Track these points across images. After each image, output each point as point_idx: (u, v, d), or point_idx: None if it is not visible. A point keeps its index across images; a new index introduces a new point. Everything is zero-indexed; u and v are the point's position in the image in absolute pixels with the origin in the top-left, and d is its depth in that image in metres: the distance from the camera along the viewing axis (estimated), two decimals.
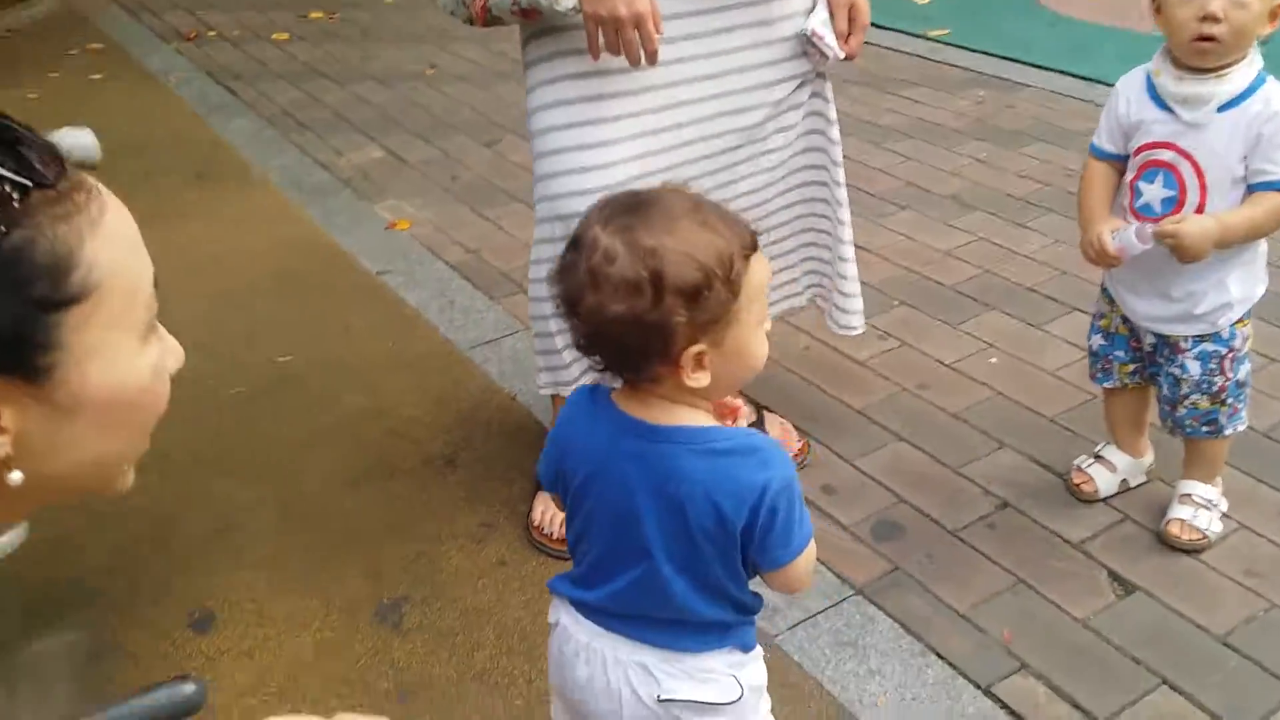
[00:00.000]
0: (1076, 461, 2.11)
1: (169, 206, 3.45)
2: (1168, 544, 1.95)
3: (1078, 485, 2.08)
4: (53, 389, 0.65)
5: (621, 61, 1.73)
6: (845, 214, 2.09)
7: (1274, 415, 2.27)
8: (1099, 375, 2.04)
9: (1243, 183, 1.74)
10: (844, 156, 2.08)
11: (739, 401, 1.24)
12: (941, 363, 2.52)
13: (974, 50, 4.48)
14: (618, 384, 1.15)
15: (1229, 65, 1.70)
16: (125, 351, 0.69)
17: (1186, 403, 1.90)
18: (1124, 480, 2.08)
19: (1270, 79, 1.73)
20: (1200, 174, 1.74)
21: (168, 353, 0.74)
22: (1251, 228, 1.75)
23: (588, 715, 1.24)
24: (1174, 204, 1.77)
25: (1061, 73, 4.18)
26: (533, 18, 1.76)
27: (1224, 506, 1.99)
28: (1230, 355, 1.86)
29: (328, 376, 2.59)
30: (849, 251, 2.13)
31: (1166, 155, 1.77)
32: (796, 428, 2.29)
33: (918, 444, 2.27)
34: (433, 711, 1.74)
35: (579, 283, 1.04)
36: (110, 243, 0.67)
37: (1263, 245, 1.85)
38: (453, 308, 2.84)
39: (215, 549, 2.09)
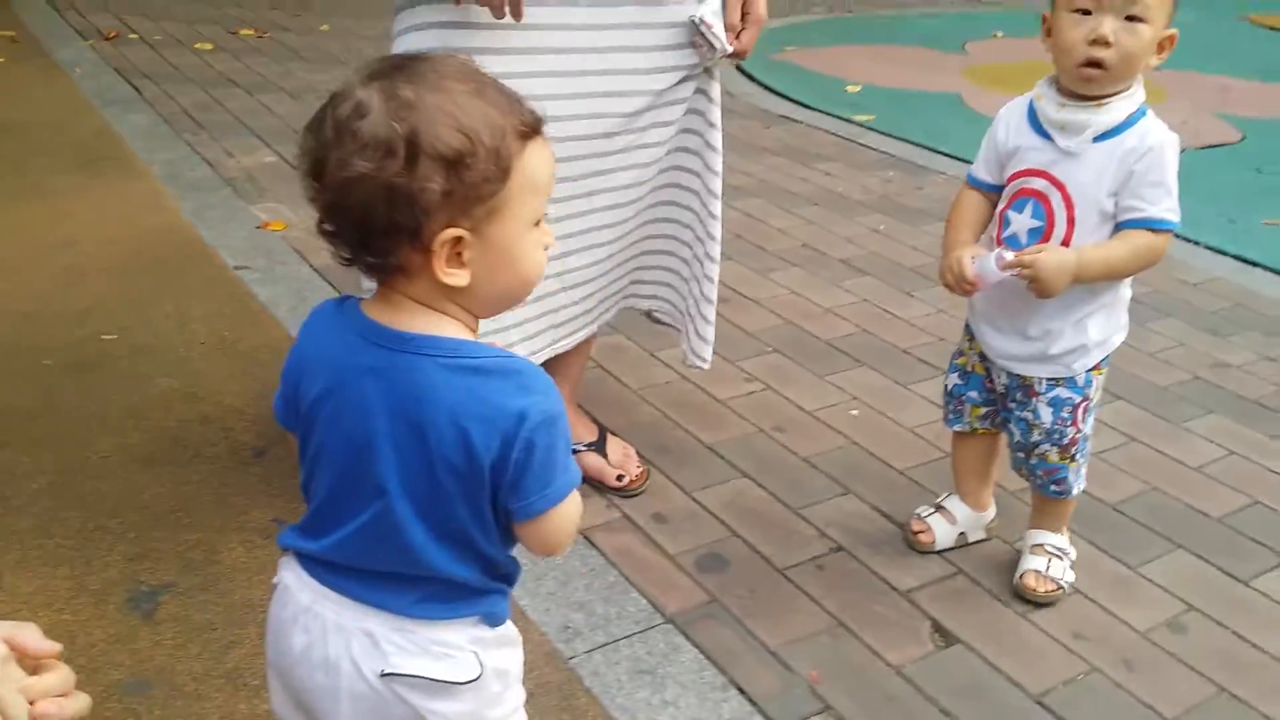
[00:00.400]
0: (917, 510, 1.99)
1: (41, 187, 3.32)
2: (1023, 597, 1.84)
3: (915, 534, 1.96)
4: None
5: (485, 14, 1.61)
6: (716, 229, 1.95)
7: (1125, 490, 2.17)
8: (950, 417, 1.93)
9: (1111, 219, 1.66)
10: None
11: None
12: (802, 409, 2.41)
13: (893, 136, 4.50)
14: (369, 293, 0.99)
15: (1112, 95, 1.64)
16: None
17: (1037, 453, 1.80)
18: (962, 534, 1.97)
19: (1150, 114, 1.66)
20: (1070, 205, 1.66)
21: None
22: (1109, 266, 1.66)
23: (301, 694, 1.04)
24: (1040, 235, 1.69)
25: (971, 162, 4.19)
26: None
27: (1074, 555, 1.89)
28: (1083, 404, 1.77)
29: (148, 358, 2.41)
30: (714, 272, 1.99)
31: (1039, 184, 1.69)
32: (640, 455, 2.15)
33: (761, 482, 2.14)
34: (165, 708, 1.54)
35: (324, 139, 0.89)
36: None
37: (1126, 290, 1.77)
38: (303, 305, 2.68)
39: None
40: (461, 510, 0.96)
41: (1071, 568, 1.87)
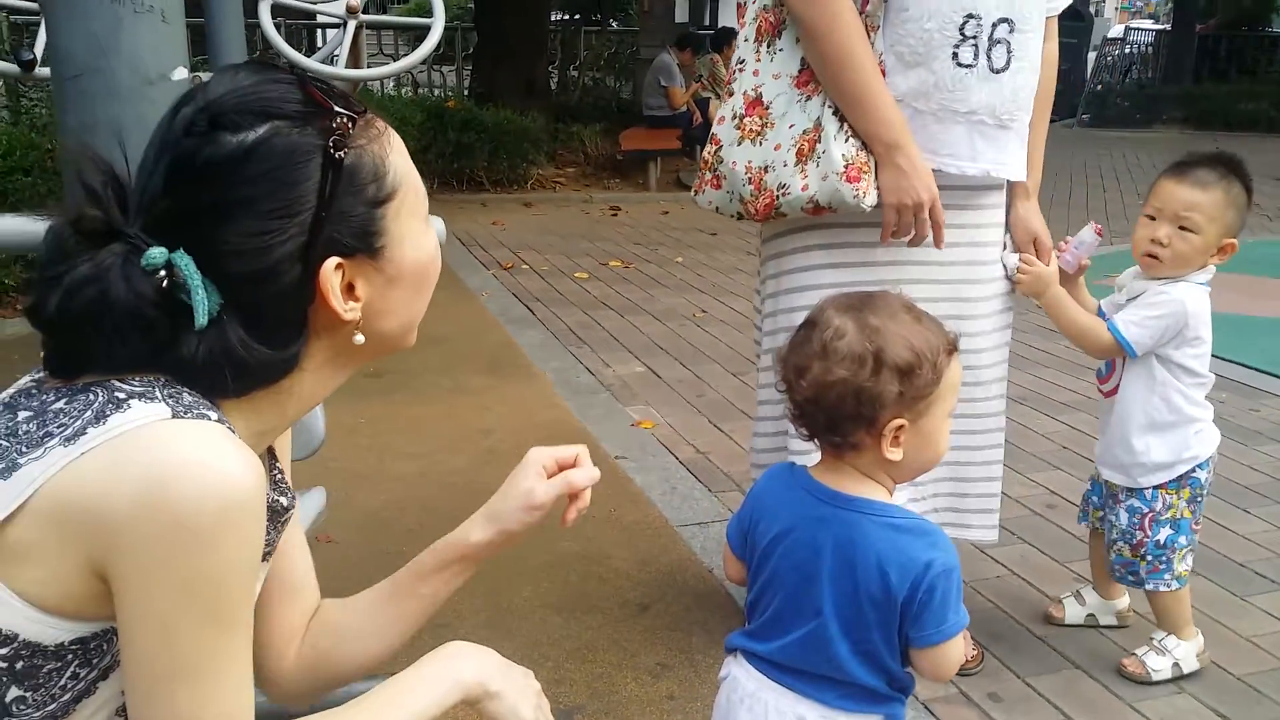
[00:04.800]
0: (1060, 595, 2.50)
1: (463, 386, 4.07)
2: (1120, 673, 2.27)
3: (1050, 611, 2.48)
4: (384, 264, 0.95)
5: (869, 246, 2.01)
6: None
7: None
8: (1080, 515, 2.44)
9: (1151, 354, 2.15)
10: (1073, 427, 2.37)
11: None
12: (1134, 610, 2.53)
13: (1224, 359, 4.49)
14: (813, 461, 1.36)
15: (1167, 279, 2.12)
16: (420, 231, 0.99)
17: (1114, 549, 2.25)
18: (1091, 614, 2.45)
19: (1188, 284, 2.11)
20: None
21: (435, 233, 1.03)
22: (1058, 316, 2.18)
23: None
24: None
25: None
26: (822, 213, 1.96)
27: (1182, 657, 2.24)
28: (1150, 516, 2.18)
29: (553, 525, 2.91)
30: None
31: None
32: (974, 639, 2.37)
33: (1093, 674, 2.29)
34: None
35: (810, 353, 1.25)
36: (401, 155, 0.96)
37: (1191, 419, 2.15)
38: (674, 492, 3.15)
39: (428, 641, 2.39)
40: (876, 634, 1.28)
41: (1172, 667, 2.24)
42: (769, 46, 2.01)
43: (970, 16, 1.92)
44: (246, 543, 0.86)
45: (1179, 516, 2.20)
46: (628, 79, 12.79)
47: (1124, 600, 2.44)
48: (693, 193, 2.15)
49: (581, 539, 2.87)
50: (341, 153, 0.91)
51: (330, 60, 2.97)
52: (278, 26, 2.71)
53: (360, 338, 0.95)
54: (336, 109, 0.92)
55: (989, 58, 1.95)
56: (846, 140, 1.93)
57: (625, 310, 5.23)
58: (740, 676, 1.38)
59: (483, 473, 3.30)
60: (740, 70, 2.06)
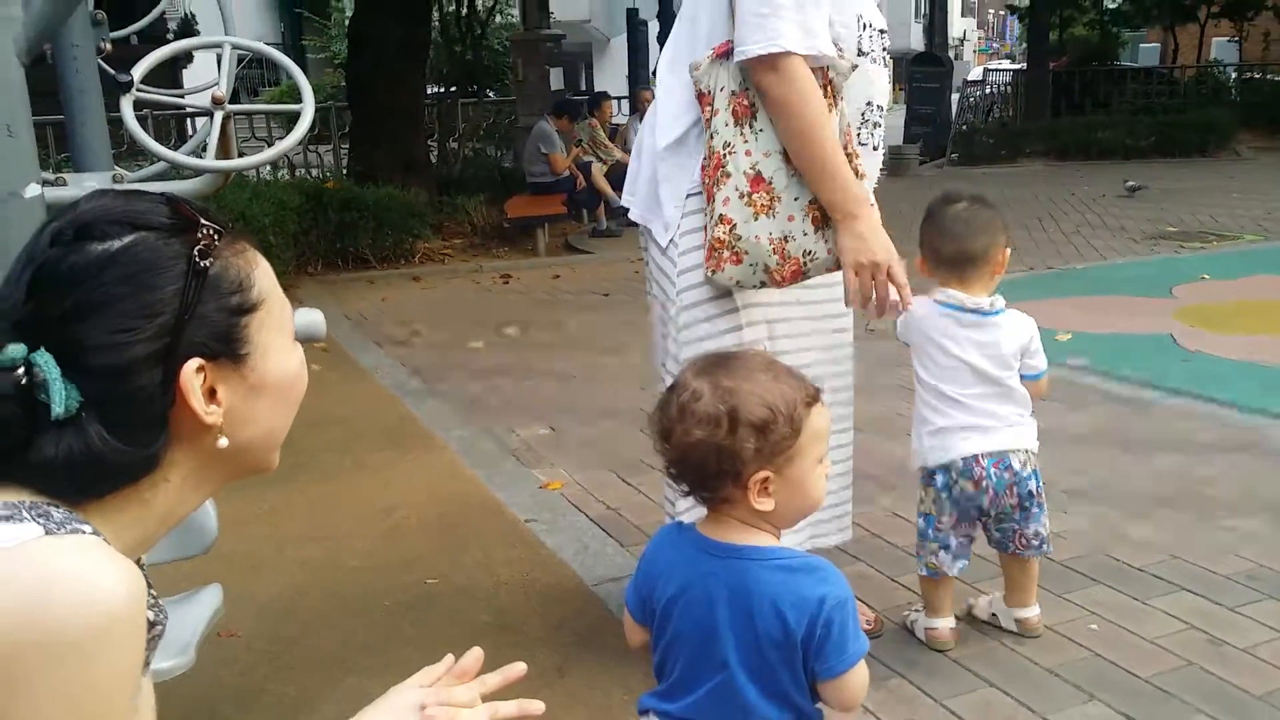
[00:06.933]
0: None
1: (363, 464, 3.99)
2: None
3: (969, 602, 2.68)
4: (248, 372, 0.97)
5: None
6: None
7: None
8: None
9: None
10: None
11: None
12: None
13: (1110, 376, 4.69)
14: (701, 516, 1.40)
15: None
16: (286, 347, 1.02)
17: None
18: (994, 614, 2.63)
19: (922, 297, 2.38)
20: None
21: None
22: None
23: None
24: None
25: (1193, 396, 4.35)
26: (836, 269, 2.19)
27: (916, 624, 2.56)
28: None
29: (464, 597, 2.89)
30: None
31: None
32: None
33: (1007, 691, 2.33)
34: None
35: (670, 415, 1.32)
36: (267, 274, 1.00)
37: (928, 424, 2.42)
38: (586, 551, 3.13)
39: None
40: (783, 674, 1.32)
41: (914, 627, 2.57)
42: (750, 128, 2.14)
43: (869, 104, 2.30)
44: (127, 655, 0.87)
45: (927, 511, 2.48)
46: (508, 148, 12.89)
47: (1027, 611, 2.52)
48: (710, 272, 2.20)
49: (495, 610, 2.82)
50: (206, 261, 0.94)
51: (200, 151, 2.92)
52: (142, 120, 2.65)
53: (224, 441, 0.96)
54: (204, 222, 0.95)
55: (873, 137, 2.33)
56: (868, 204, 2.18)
57: (524, 375, 5.21)
58: None
59: (387, 551, 3.23)
60: (730, 153, 2.16)
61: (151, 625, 1.03)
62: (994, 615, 2.60)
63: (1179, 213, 9.98)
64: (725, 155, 2.16)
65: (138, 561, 1.00)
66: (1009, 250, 2.43)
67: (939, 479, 2.43)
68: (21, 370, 0.87)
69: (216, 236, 0.95)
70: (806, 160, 2.10)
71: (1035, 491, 2.42)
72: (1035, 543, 2.47)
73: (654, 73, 2.76)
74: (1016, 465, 2.38)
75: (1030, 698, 2.29)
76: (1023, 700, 2.29)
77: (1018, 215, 9.86)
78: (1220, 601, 2.66)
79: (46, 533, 0.86)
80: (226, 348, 0.95)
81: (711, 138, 2.18)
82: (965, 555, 2.51)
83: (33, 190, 1.60)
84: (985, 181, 12.78)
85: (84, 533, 0.88)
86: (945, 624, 2.52)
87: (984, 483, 2.37)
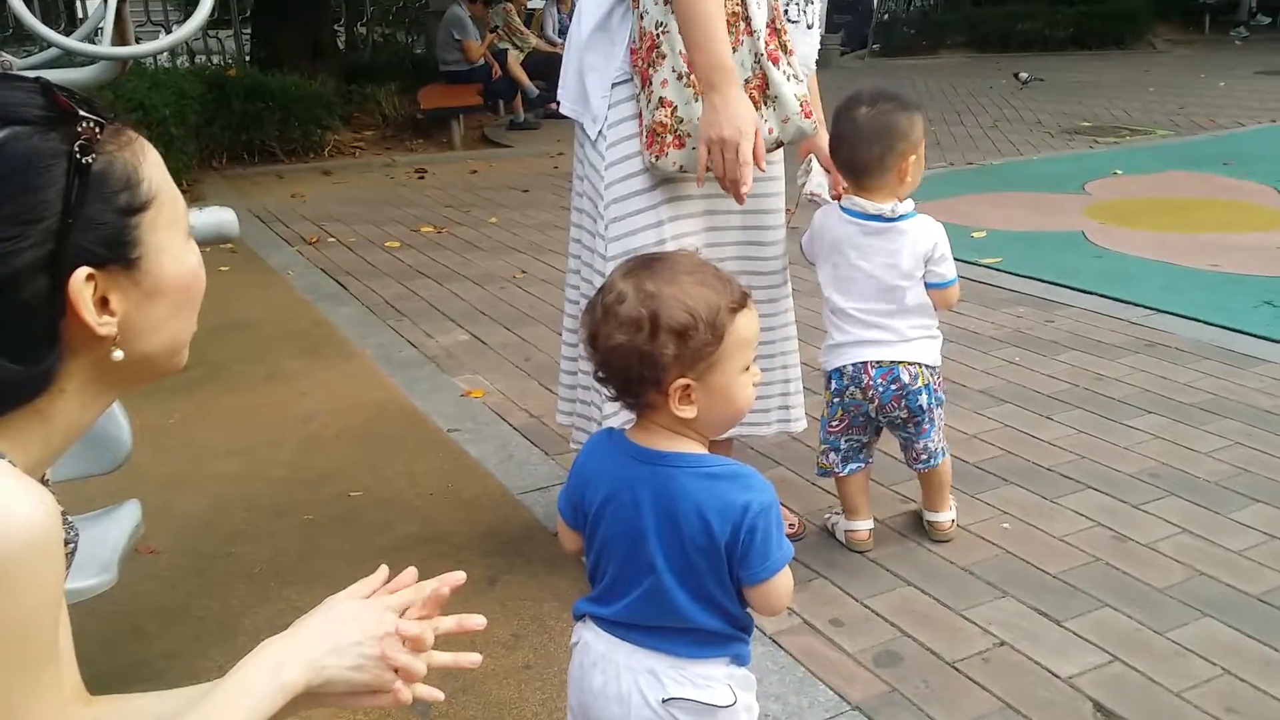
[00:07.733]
0: None
1: (277, 373, 3.90)
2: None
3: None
4: (141, 276, 0.90)
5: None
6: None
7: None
8: None
9: None
10: None
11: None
12: (956, 524, 2.67)
13: (1021, 275, 4.79)
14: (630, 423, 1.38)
15: None
16: (180, 246, 0.94)
17: None
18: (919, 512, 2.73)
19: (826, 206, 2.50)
20: None
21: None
22: None
23: None
24: None
25: (1099, 295, 4.46)
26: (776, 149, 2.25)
27: (836, 527, 2.64)
28: None
29: (388, 509, 2.87)
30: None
31: None
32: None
33: (925, 589, 2.41)
34: None
35: (596, 318, 1.30)
36: (157, 166, 0.92)
37: (829, 333, 2.50)
38: (510, 460, 3.12)
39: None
40: (709, 579, 1.33)
41: (833, 529, 2.66)
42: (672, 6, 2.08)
43: None
44: (48, 579, 0.84)
45: (823, 414, 2.56)
46: (420, 33, 12.41)
47: (937, 515, 2.61)
48: (653, 159, 2.14)
49: (420, 520, 2.81)
50: (89, 158, 0.86)
51: (94, 37, 2.73)
52: (29, 2, 2.45)
53: (119, 354, 0.90)
54: (83, 114, 0.87)
55: (805, 15, 2.28)
56: (796, 81, 2.17)
57: (442, 278, 5.11)
58: (590, 640, 1.40)
59: (307, 463, 3.18)
60: (664, 32, 2.09)
61: (64, 544, 0.99)
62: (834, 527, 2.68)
63: (1094, 107, 10.11)
64: (659, 35, 2.09)
65: (43, 479, 0.96)
66: (915, 157, 2.36)
67: (834, 384, 2.49)
68: None
69: (99, 129, 0.87)
70: (682, 15, 2.02)
71: (927, 407, 2.45)
72: (924, 458, 2.53)
73: None
74: (905, 378, 2.40)
75: (946, 595, 2.38)
76: (939, 598, 2.37)
77: (938, 109, 9.90)
78: (1125, 499, 2.77)
79: None
80: (117, 252, 0.88)
81: (641, 18, 2.12)
82: (857, 459, 2.56)
83: None
84: (907, 74, 12.77)
85: None
86: (864, 526, 2.59)
87: (870, 391, 2.43)
